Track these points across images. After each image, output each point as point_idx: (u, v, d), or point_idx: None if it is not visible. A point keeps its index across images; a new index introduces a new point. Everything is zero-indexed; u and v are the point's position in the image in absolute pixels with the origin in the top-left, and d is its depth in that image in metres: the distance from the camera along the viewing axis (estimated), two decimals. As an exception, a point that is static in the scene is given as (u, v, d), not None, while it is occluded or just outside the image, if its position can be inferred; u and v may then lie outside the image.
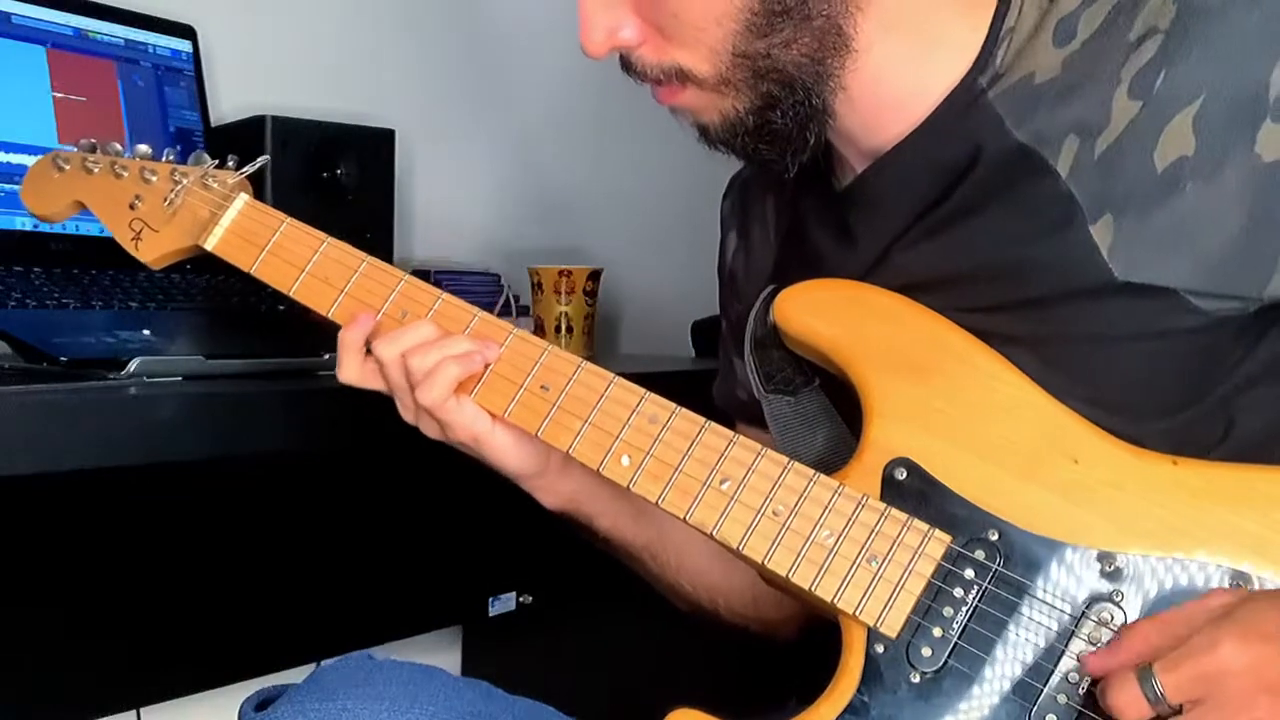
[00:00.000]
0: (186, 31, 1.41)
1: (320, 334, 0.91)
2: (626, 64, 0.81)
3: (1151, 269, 0.72)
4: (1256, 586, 0.69)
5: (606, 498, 0.90)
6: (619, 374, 0.81)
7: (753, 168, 0.96)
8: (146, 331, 1.07)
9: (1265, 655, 0.62)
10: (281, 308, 1.17)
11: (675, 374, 1.50)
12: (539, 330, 1.65)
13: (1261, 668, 0.62)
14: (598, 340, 1.73)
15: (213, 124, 1.43)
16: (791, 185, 0.91)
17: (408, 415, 0.85)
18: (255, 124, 1.39)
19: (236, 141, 1.39)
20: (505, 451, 0.85)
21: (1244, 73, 0.71)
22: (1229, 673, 0.62)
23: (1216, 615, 0.65)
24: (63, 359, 0.96)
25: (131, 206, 0.93)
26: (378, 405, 0.86)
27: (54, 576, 1.09)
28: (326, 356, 1.08)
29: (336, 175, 1.43)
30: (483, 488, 0.93)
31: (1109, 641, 0.69)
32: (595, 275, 1.67)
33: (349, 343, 0.85)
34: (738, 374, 0.98)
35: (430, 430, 0.85)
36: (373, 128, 1.49)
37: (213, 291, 1.23)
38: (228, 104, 1.52)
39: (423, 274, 1.65)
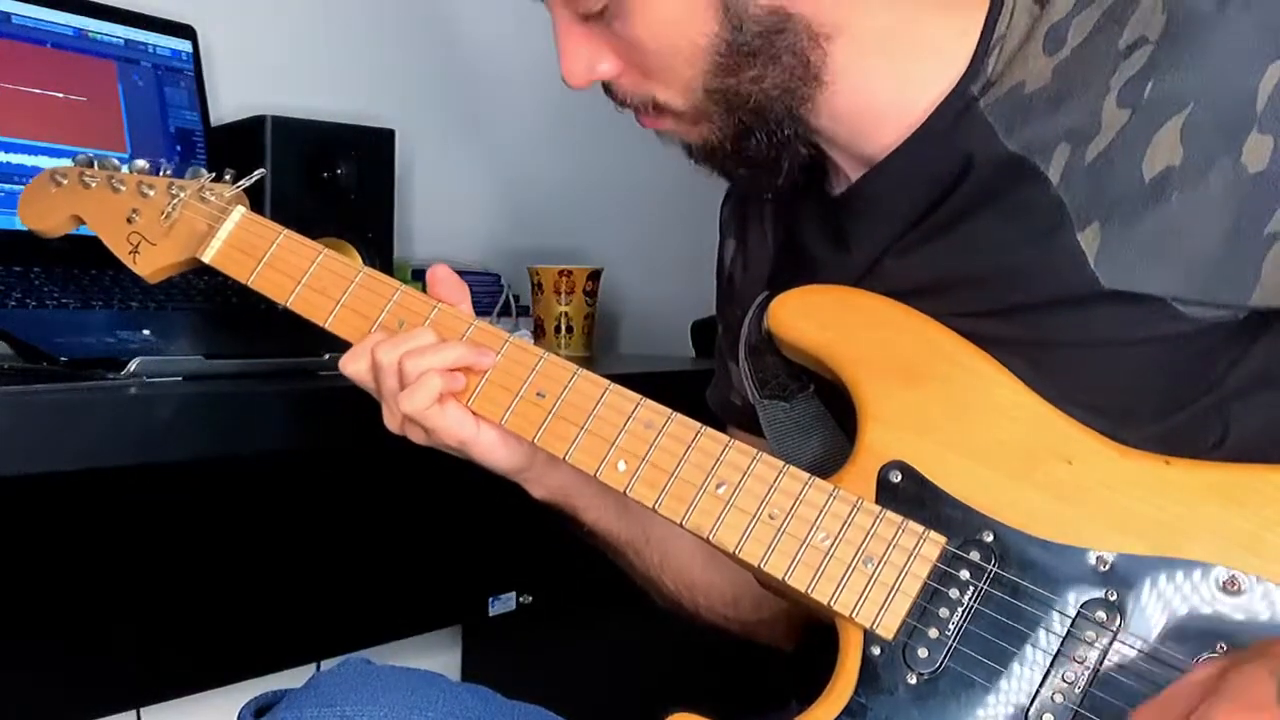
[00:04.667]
0: (186, 31, 1.41)
1: (320, 334, 0.91)
2: (608, 89, 0.85)
3: (1138, 277, 0.73)
4: (1248, 585, 0.69)
5: (591, 493, 0.90)
6: (619, 375, 0.82)
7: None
8: (146, 331, 1.07)
9: None
10: (281, 308, 1.17)
11: (675, 374, 1.50)
12: (539, 330, 1.65)
13: None
14: (598, 340, 1.73)
15: (213, 124, 1.43)
16: (789, 192, 0.92)
17: (393, 424, 0.85)
18: (255, 124, 1.39)
19: (236, 141, 1.41)
20: (492, 451, 0.85)
21: (1232, 83, 0.71)
22: None
23: (1207, 689, 0.64)
24: (63, 359, 0.96)
25: (129, 220, 0.93)
26: (377, 405, 0.86)
27: (54, 576, 1.10)
28: (327, 356, 1.08)
29: (336, 175, 1.43)
30: (483, 488, 0.93)
31: None
32: (595, 275, 1.67)
33: (372, 340, 0.85)
34: (732, 379, 0.98)
35: (416, 436, 0.85)
36: (373, 128, 1.49)
37: (212, 291, 1.23)
38: (228, 104, 1.52)
39: (423, 274, 1.66)
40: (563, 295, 1.64)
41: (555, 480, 0.89)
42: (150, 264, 0.93)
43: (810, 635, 0.88)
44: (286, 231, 0.90)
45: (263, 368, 1.08)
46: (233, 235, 0.90)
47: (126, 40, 1.35)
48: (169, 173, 0.95)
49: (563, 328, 1.64)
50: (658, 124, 0.85)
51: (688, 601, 0.97)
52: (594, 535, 0.94)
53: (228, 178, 0.94)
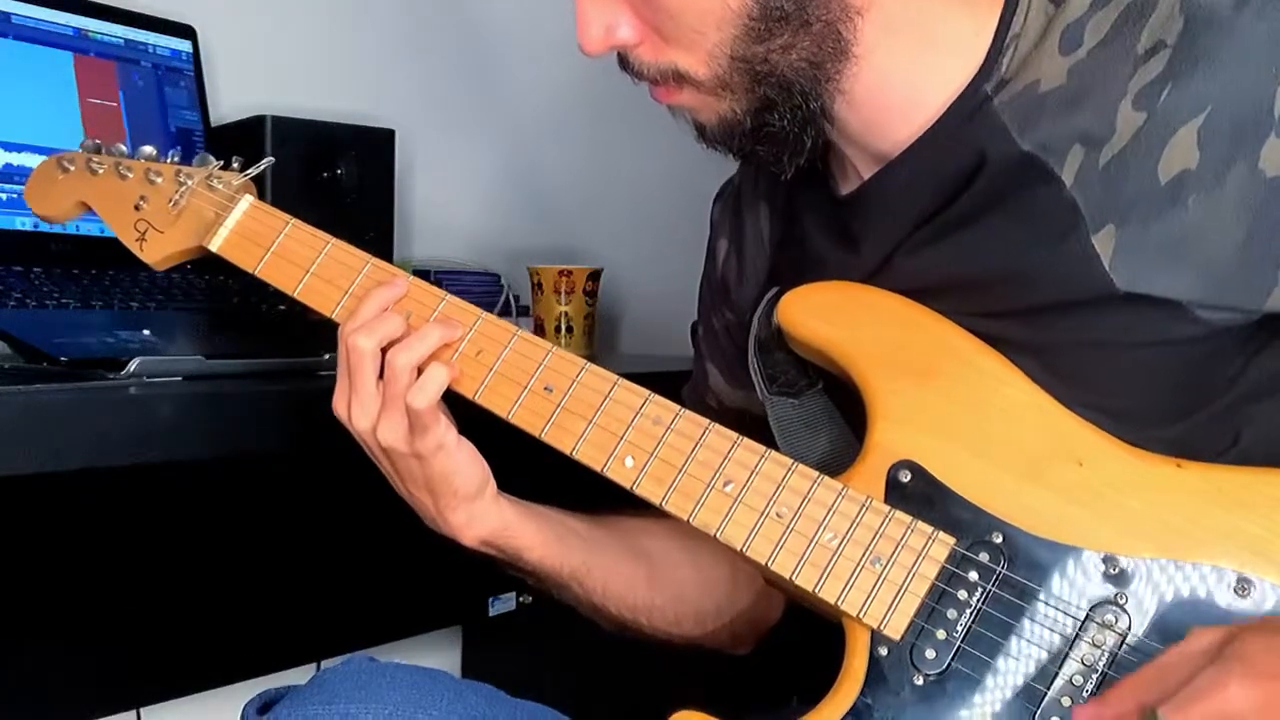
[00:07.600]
0: (186, 31, 1.40)
1: (320, 334, 0.91)
2: (623, 62, 0.81)
3: (1153, 280, 0.73)
4: (1258, 589, 0.69)
5: (534, 529, 0.88)
6: (619, 374, 0.81)
7: (745, 173, 0.96)
8: (146, 331, 1.07)
9: (1273, 693, 0.60)
10: (282, 307, 1.17)
11: (676, 374, 1.49)
12: (539, 330, 1.65)
13: (1270, 706, 0.60)
14: (598, 340, 1.73)
15: (213, 124, 1.42)
16: (786, 192, 0.91)
17: (366, 421, 0.83)
18: (255, 124, 1.39)
19: (236, 141, 1.40)
20: (467, 464, 0.83)
21: (1250, 87, 0.71)
22: (1238, 713, 0.60)
23: (1211, 655, 0.63)
24: (63, 359, 0.96)
25: (136, 207, 0.92)
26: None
27: (54, 576, 1.09)
28: (327, 356, 1.08)
29: (336, 175, 1.42)
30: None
31: (1098, 695, 0.67)
32: (595, 275, 1.67)
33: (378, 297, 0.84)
34: (710, 380, 0.98)
35: (390, 436, 0.82)
36: (373, 128, 1.49)
37: (213, 291, 1.23)
38: (228, 104, 1.51)
39: (423, 274, 1.65)
40: (563, 295, 1.64)
41: (498, 517, 0.86)
42: (157, 251, 0.92)
43: (812, 632, 0.88)
44: (295, 221, 0.89)
45: (263, 368, 1.08)
46: (240, 224, 0.90)
47: (126, 40, 1.34)
48: (176, 160, 0.94)
49: (563, 328, 1.64)
50: (675, 97, 0.81)
51: (631, 623, 0.94)
52: (537, 575, 0.91)
53: (235, 166, 0.94)
